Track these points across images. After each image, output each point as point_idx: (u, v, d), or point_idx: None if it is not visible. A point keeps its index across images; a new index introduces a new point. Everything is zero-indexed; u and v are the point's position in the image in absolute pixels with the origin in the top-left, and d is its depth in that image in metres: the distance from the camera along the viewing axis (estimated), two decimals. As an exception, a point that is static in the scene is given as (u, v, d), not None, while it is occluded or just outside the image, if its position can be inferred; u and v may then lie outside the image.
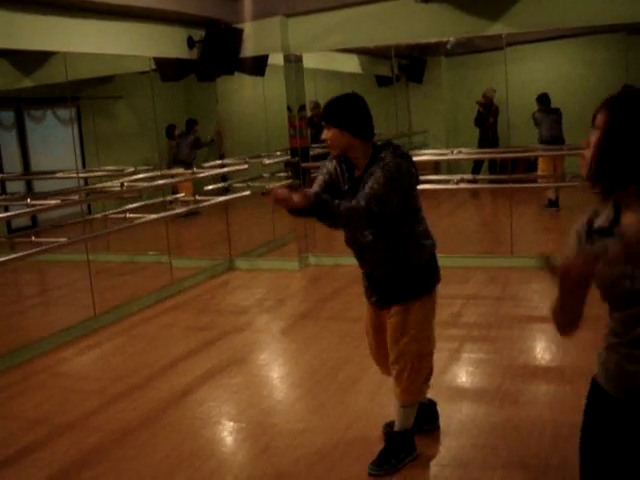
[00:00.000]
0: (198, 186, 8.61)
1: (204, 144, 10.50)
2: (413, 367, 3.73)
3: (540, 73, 10.98)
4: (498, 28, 7.58)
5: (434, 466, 3.82)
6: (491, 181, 10.63)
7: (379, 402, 4.59)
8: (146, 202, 7.92)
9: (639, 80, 9.59)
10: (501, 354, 5.32)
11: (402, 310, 3.69)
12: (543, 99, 10.56)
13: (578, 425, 4.13)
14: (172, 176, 8.50)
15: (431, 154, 9.55)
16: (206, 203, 8.23)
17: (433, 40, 8.48)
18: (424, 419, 4.14)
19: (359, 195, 3.40)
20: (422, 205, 3.68)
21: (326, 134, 3.57)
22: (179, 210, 8.40)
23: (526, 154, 9.90)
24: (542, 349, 5.52)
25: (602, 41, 9.89)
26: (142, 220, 7.32)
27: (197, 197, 8.31)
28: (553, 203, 10.41)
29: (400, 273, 3.67)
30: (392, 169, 3.42)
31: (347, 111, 3.54)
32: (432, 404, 4.24)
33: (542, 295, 6.83)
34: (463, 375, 4.82)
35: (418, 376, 3.78)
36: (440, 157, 9.54)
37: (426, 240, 3.69)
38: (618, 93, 2.18)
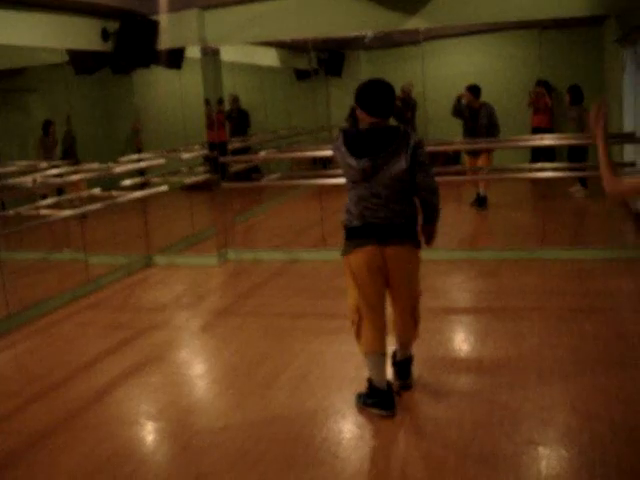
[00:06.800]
0: (115, 181, 8.37)
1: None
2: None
3: (457, 67, 11.10)
4: (415, 23, 7.66)
5: (353, 464, 3.83)
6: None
7: (299, 397, 4.59)
8: (60, 198, 7.71)
9: (552, 74, 9.81)
10: (420, 346, 5.36)
11: None
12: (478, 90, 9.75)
13: (496, 415, 4.22)
14: (86, 171, 8.24)
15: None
16: (122, 198, 8.03)
17: (351, 34, 8.51)
18: (380, 403, 4.34)
19: None
20: (353, 186, 4.22)
21: None
22: (93, 206, 8.13)
23: (447, 147, 9.88)
24: (461, 341, 5.60)
25: (517, 37, 10.07)
26: (54, 217, 7.12)
27: (113, 192, 8.09)
28: (481, 200, 9.75)
29: None
30: None
31: (359, 91, 4.56)
32: (389, 391, 4.37)
33: (460, 287, 6.93)
34: (383, 368, 4.82)
35: (353, 325, 4.42)
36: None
37: (348, 210, 4.25)
38: None
